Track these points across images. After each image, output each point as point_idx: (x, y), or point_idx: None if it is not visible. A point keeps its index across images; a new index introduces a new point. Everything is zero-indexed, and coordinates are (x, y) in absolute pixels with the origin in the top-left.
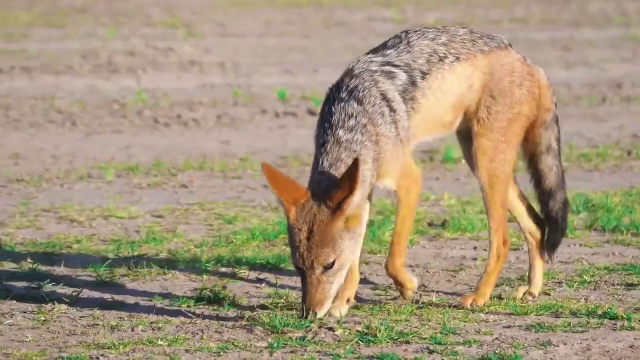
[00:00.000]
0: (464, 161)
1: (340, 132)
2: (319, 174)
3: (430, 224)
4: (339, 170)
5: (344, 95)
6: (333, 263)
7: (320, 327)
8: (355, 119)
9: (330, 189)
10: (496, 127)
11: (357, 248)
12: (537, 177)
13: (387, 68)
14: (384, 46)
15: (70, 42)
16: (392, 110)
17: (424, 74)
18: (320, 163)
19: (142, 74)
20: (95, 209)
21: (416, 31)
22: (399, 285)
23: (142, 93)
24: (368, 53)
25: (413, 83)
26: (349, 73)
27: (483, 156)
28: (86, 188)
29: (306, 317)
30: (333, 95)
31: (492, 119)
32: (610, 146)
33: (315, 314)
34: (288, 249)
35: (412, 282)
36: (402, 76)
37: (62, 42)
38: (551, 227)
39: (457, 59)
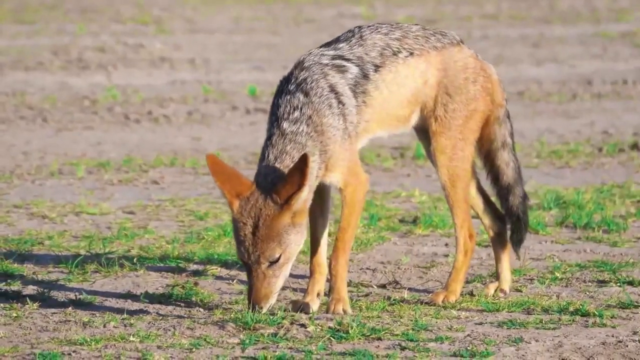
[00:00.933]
0: None
1: (285, 125)
2: (265, 167)
3: (401, 221)
4: (284, 163)
5: (292, 87)
6: (279, 258)
7: (292, 323)
8: (300, 111)
9: (277, 182)
10: (454, 125)
11: (302, 241)
12: (494, 174)
13: (338, 62)
14: (336, 40)
15: (40, 38)
16: (341, 103)
17: (377, 67)
18: (266, 156)
19: (113, 70)
20: (67, 205)
21: (369, 26)
22: (335, 291)
23: (112, 89)
24: (320, 47)
25: (365, 76)
26: (299, 65)
27: (442, 155)
28: (57, 184)
29: (252, 311)
30: (282, 88)
31: (450, 117)
32: (581, 143)
33: (261, 308)
34: None
35: (346, 300)
36: (353, 69)
37: (32, 38)
38: (513, 223)
39: (411, 54)
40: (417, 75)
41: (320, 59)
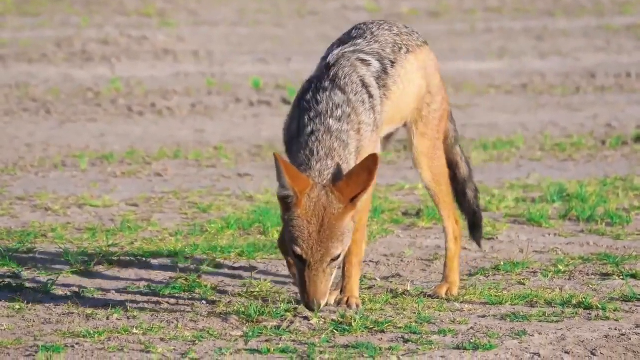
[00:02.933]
0: None
1: (331, 122)
2: (317, 163)
3: (404, 214)
4: (334, 160)
5: (326, 84)
6: (339, 256)
7: (295, 316)
8: (341, 109)
9: (337, 181)
10: (434, 125)
11: None
12: (452, 170)
13: (362, 56)
14: (348, 36)
15: (44, 30)
16: (371, 96)
17: (392, 63)
18: (315, 152)
19: (117, 62)
20: (70, 197)
21: (372, 23)
22: (348, 290)
23: (116, 82)
24: (338, 45)
25: (385, 71)
26: (327, 65)
27: (425, 157)
28: (61, 176)
29: (313, 309)
30: (315, 85)
31: (431, 117)
32: (584, 136)
33: (320, 305)
34: (263, 238)
35: (359, 299)
36: (375, 64)
37: (36, 31)
38: (472, 218)
39: (408, 51)
40: (416, 71)
41: (345, 54)
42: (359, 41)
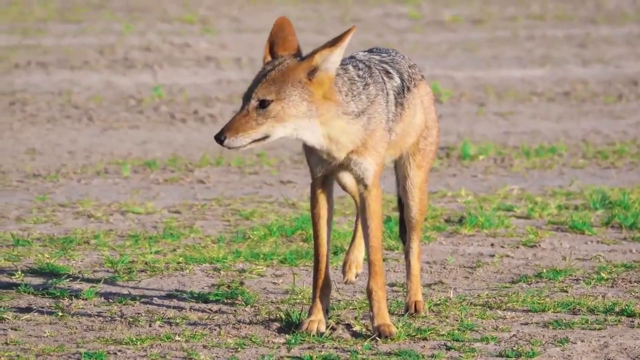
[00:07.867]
0: (481, 157)
1: (352, 69)
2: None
3: (447, 221)
4: (353, 84)
5: (349, 60)
6: (269, 102)
7: (338, 323)
8: (362, 71)
9: None
10: (429, 157)
11: (313, 130)
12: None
13: (385, 67)
14: (378, 50)
15: (87, 37)
16: (388, 96)
17: (408, 88)
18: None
19: (159, 69)
20: (112, 204)
21: (388, 50)
22: (380, 317)
23: (158, 89)
24: (364, 51)
25: (403, 90)
26: (353, 57)
27: (417, 190)
28: (103, 183)
29: (216, 137)
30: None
31: (428, 150)
32: (627, 143)
33: (225, 137)
34: (305, 245)
35: (392, 325)
36: (397, 79)
37: (78, 37)
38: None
39: (415, 85)
40: (419, 105)
41: (370, 59)
42: (384, 55)
